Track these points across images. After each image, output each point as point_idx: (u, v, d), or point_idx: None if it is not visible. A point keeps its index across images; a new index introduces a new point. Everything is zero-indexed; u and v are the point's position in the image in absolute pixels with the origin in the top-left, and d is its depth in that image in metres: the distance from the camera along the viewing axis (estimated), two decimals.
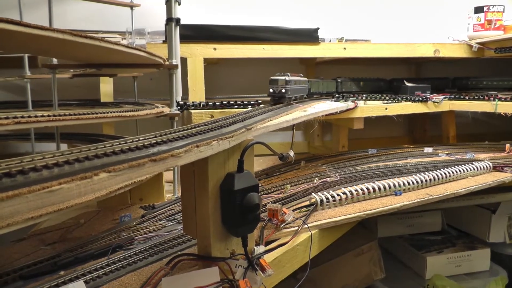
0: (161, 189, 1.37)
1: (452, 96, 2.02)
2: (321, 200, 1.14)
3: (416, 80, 2.22)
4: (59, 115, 0.88)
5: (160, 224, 1.12)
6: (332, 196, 1.16)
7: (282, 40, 1.85)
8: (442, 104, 1.95)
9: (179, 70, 1.40)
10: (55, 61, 1.37)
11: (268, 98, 1.37)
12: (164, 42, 1.66)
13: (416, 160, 1.70)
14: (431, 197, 1.24)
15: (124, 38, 1.72)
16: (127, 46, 1.00)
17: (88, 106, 1.44)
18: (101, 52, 1.00)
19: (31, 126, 0.95)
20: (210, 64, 1.97)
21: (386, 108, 1.84)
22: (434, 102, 1.93)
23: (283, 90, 1.29)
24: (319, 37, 1.91)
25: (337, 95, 1.93)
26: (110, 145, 0.59)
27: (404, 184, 1.28)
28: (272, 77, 1.31)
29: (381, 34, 2.26)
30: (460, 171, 1.42)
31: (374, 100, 1.96)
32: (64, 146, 1.50)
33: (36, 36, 0.64)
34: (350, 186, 1.24)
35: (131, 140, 0.64)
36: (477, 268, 1.76)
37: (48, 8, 1.39)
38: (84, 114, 0.96)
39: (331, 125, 2.27)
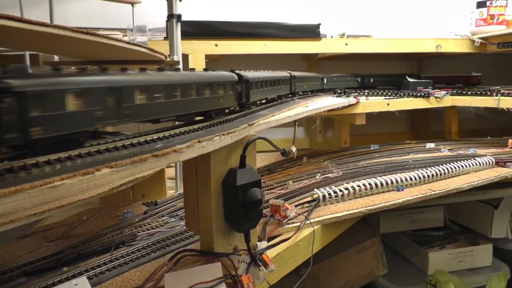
0: (163, 185, 1.38)
1: (454, 91, 2.01)
2: (324, 196, 1.14)
3: (355, 76, 2.20)
4: None
5: (162, 220, 1.12)
6: (335, 192, 1.16)
7: (284, 36, 1.85)
8: (444, 99, 1.94)
9: (180, 66, 1.39)
10: (56, 58, 1.37)
11: None
12: (165, 38, 1.66)
13: (418, 156, 1.69)
14: (433, 192, 1.24)
15: (125, 35, 1.72)
16: (128, 43, 1.00)
17: None
18: (102, 49, 1.00)
19: None
20: (212, 61, 1.96)
21: (388, 104, 1.83)
22: (436, 97, 1.92)
23: None
24: (321, 32, 1.90)
25: (338, 91, 1.92)
26: (112, 140, 0.59)
27: (406, 179, 1.28)
28: None
29: (383, 29, 2.25)
30: (462, 166, 1.41)
31: (376, 95, 1.96)
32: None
33: (37, 33, 0.64)
34: (352, 182, 1.24)
35: (133, 136, 0.64)
36: (480, 264, 1.75)
37: (49, 6, 1.39)
38: None
39: (333, 121, 2.27)
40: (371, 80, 2.20)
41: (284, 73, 1.41)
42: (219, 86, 0.87)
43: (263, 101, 1.26)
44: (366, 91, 2.03)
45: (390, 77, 2.28)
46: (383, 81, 2.25)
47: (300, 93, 1.68)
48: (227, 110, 0.98)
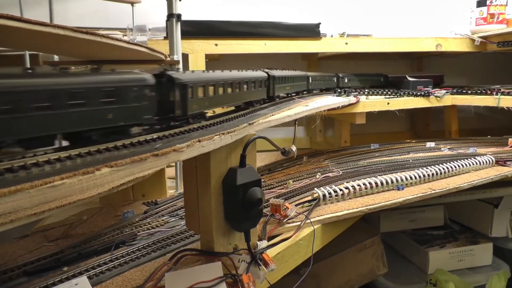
0: (163, 185, 1.38)
1: (454, 90, 2.01)
2: (324, 195, 1.14)
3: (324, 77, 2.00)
4: None
5: (162, 220, 1.12)
6: (335, 191, 1.16)
7: (284, 35, 1.85)
8: (444, 98, 1.94)
9: (180, 66, 1.39)
10: (56, 58, 1.37)
11: None
12: (165, 38, 1.66)
13: (418, 155, 1.69)
14: (433, 191, 1.24)
15: (125, 35, 1.72)
16: (128, 42, 1.00)
17: None
18: (102, 48, 1.00)
19: None
20: (212, 60, 1.96)
21: (388, 103, 1.84)
22: (436, 96, 1.92)
23: None
24: (321, 32, 1.90)
25: (339, 90, 1.92)
26: (112, 140, 0.59)
27: (406, 178, 1.28)
28: None
29: (383, 28, 2.25)
30: (462, 165, 1.41)
31: (376, 95, 1.96)
32: (66, 143, 1.50)
33: (36, 33, 0.64)
34: (352, 181, 1.24)
35: (133, 135, 0.64)
36: (480, 263, 1.76)
37: (49, 6, 1.38)
38: None
39: (333, 120, 2.27)
40: (346, 80, 2.05)
41: (259, 73, 1.16)
42: (108, 95, 0.59)
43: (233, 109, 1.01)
44: (366, 90, 2.02)
45: (363, 76, 2.18)
46: (361, 81, 2.15)
47: (282, 95, 1.43)
48: (139, 130, 0.67)
